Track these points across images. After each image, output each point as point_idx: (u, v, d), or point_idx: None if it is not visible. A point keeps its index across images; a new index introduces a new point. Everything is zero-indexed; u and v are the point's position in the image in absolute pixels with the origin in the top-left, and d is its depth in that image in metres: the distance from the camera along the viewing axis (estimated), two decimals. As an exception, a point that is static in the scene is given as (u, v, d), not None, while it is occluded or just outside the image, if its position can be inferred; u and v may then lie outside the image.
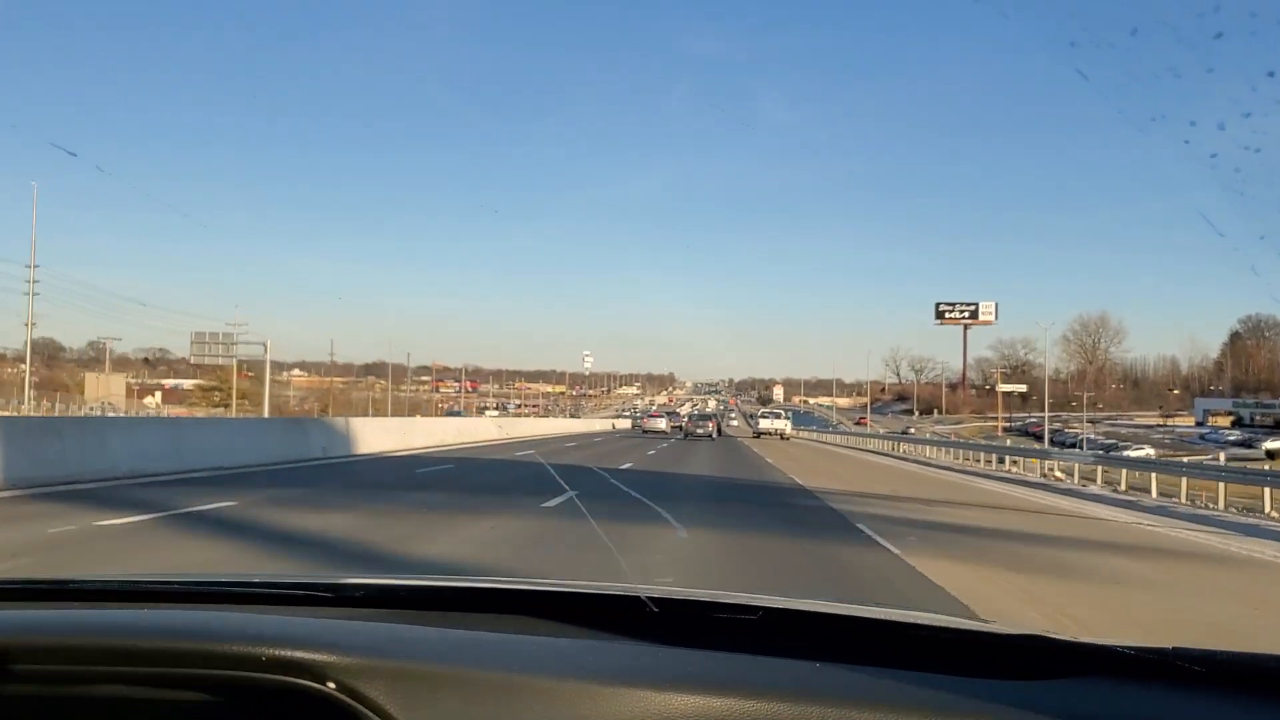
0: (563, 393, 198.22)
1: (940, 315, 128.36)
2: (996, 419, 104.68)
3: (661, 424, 48.86)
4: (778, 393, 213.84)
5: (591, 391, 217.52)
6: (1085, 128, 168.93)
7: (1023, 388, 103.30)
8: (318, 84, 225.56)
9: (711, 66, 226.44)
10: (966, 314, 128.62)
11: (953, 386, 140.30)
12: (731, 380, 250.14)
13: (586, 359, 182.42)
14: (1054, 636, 1.19)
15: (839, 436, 63.94)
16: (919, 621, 1.28)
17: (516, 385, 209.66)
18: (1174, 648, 1.11)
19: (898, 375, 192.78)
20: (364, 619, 1.29)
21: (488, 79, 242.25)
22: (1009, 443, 58.02)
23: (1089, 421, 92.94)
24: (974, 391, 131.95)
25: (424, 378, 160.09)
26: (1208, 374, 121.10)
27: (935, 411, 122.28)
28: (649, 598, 1.28)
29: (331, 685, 0.96)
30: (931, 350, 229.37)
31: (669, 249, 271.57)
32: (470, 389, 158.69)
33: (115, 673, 1.02)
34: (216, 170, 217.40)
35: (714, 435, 45.41)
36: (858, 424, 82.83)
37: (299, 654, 0.98)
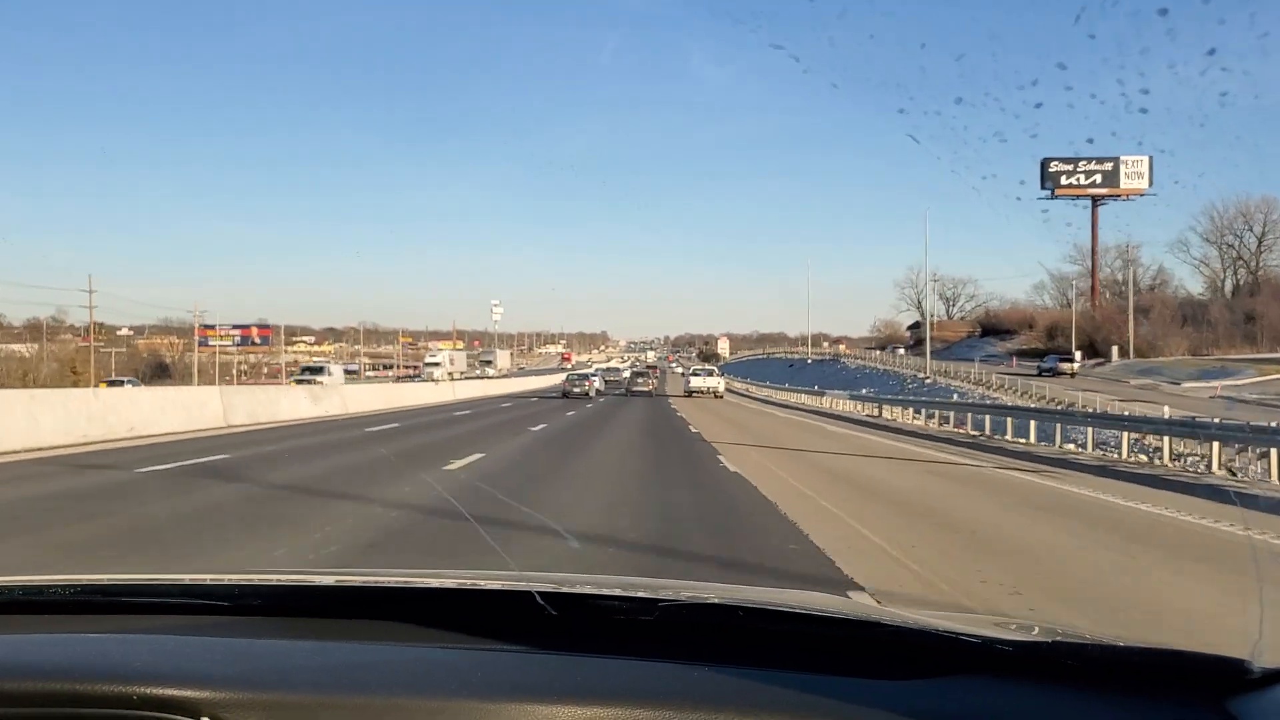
0: (459, 350, 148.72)
1: (1052, 183, 73.36)
2: None
3: (595, 384, 50.12)
4: (723, 346, 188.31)
5: (503, 350, 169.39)
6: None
7: None
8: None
9: (642, 23, 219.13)
10: (1097, 177, 73.75)
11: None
12: (668, 338, 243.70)
13: (496, 310, 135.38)
14: (940, 631, 1.19)
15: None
16: (814, 612, 1.27)
17: (402, 339, 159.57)
18: (1052, 641, 1.15)
19: (918, 307, 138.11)
20: (243, 634, 1.22)
21: (416, 30, 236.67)
22: None
23: None
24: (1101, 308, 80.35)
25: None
26: None
27: (1117, 352, 63.31)
28: (539, 593, 1.24)
29: None
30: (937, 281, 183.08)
31: (600, 204, 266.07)
32: (257, 338, 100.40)
33: None
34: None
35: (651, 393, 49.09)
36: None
37: (170, 691, 0.95)
